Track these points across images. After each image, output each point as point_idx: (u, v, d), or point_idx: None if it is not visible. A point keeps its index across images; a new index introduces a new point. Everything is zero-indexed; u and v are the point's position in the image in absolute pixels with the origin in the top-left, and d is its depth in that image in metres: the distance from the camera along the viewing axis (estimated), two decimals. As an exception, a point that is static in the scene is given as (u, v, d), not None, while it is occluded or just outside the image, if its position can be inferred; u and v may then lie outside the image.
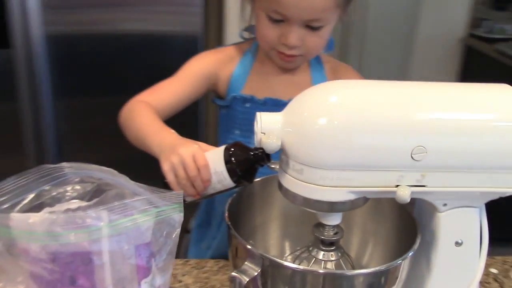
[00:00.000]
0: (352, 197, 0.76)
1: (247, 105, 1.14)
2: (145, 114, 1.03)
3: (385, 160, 0.73)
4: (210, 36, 2.62)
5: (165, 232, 0.71)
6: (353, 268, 0.86)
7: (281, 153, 0.78)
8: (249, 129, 1.16)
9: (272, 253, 0.99)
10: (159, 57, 2.24)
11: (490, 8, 3.27)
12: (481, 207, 0.82)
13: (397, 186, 0.75)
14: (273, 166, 0.89)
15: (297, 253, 0.88)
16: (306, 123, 0.74)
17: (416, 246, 0.79)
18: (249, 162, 0.86)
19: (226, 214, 0.85)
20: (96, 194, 0.81)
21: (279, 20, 1.02)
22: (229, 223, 0.82)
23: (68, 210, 0.73)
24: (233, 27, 2.49)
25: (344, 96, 0.75)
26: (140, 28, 2.19)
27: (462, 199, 0.80)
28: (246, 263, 0.77)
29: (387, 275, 0.77)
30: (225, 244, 1.18)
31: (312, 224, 0.90)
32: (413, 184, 0.75)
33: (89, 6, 2.11)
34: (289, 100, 1.14)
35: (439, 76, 3.23)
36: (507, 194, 0.78)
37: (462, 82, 0.79)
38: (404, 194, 0.73)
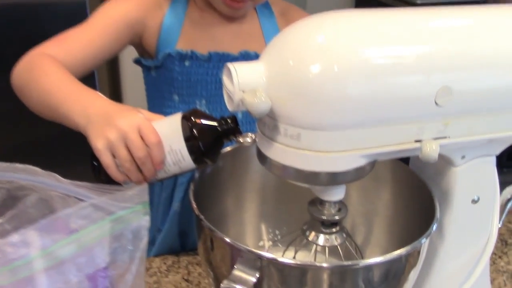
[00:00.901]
0: (362, 162, 0.59)
1: (187, 63, 0.91)
2: (54, 71, 0.76)
3: (404, 109, 0.56)
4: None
5: (128, 248, 0.49)
6: (358, 249, 0.70)
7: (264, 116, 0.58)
8: (192, 93, 0.94)
9: (250, 240, 0.81)
10: (38, 29, 1.89)
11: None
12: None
13: (416, 141, 0.59)
14: (242, 140, 0.69)
15: (284, 239, 0.70)
16: (297, 73, 0.54)
17: (437, 214, 0.64)
18: (216, 136, 0.66)
19: (194, 205, 0.64)
20: (6, 204, 0.57)
21: None
22: (202, 216, 0.62)
23: (-29, 236, 0.48)
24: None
25: (342, 31, 0.56)
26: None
27: (482, 148, 0.66)
28: (236, 267, 0.57)
29: (413, 254, 0.62)
30: (173, 236, 0.98)
31: (295, 199, 0.72)
32: (434, 136, 0.60)
33: None
34: (240, 54, 0.95)
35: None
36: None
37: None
38: (432, 150, 0.57)
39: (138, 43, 0.94)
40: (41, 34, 1.84)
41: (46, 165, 0.58)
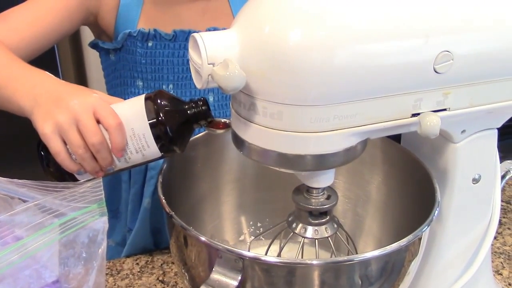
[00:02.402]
0: (353, 142, 0.52)
1: (150, 43, 0.82)
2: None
3: (399, 78, 0.49)
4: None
5: (83, 255, 0.40)
6: (351, 240, 0.63)
7: (237, 93, 0.50)
8: (157, 77, 0.84)
9: (229, 235, 0.73)
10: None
11: None
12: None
13: (413, 115, 0.52)
14: (214, 124, 0.61)
15: (267, 231, 0.63)
16: (276, 40, 0.47)
17: (438, 197, 0.58)
18: (184, 120, 0.58)
19: (163, 200, 0.56)
20: None
21: None
22: (172, 213, 0.54)
23: None
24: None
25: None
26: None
27: (483, 120, 0.60)
28: (215, 269, 0.50)
29: (414, 244, 0.55)
30: (145, 234, 0.90)
31: (277, 187, 0.66)
32: (433, 109, 0.53)
33: None
34: (207, 30, 0.86)
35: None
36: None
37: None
38: (433, 124, 0.50)
39: (94, 23, 0.85)
40: None
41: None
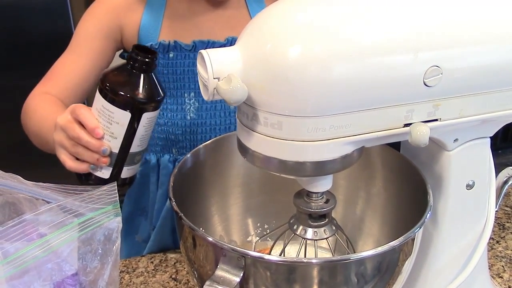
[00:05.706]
0: (349, 150, 0.55)
1: (171, 54, 0.87)
2: (40, 109, 0.82)
3: (392, 91, 0.53)
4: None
5: (99, 251, 0.45)
6: (349, 241, 0.67)
7: (241, 104, 0.55)
8: (179, 86, 0.89)
9: (237, 236, 0.78)
10: (19, 28, 1.83)
11: None
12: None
13: (406, 125, 0.55)
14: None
15: (274, 233, 0.66)
16: (276, 56, 0.51)
17: (431, 201, 0.61)
18: (127, 73, 0.65)
19: (173, 201, 0.60)
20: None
21: None
22: (181, 214, 0.58)
23: None
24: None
25: (323, 9, 0.52)
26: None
27: (475, 130, 0.63)
28: (219, 266, 0.54)
29: (407, 245, 0.58)
30: (165, 232, 0.95)
31: (282, 191, 0.69)
32: (424, 119, 0.56)
33: None
34: (226, 41, 0.90)
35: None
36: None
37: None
38: (422, 134, 0.54)
39: (121, 47, 0.93)
40: (23, 29, 1.80)
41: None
